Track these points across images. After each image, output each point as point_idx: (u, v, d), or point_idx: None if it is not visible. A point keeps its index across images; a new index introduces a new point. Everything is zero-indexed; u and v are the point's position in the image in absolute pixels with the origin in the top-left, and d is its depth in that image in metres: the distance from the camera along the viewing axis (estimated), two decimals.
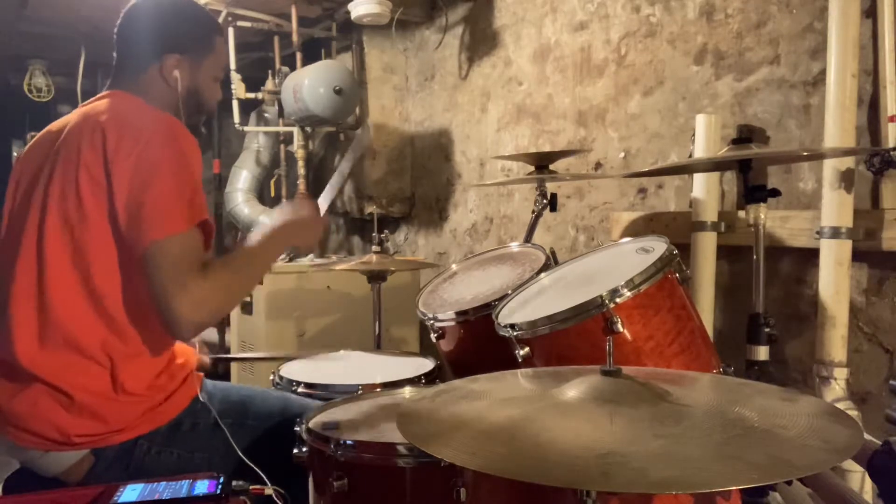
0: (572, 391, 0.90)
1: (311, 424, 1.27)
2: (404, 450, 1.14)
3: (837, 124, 1.57)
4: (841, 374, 1.58)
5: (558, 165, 2.06)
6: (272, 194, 3.86)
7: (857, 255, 1.61)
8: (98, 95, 1.37)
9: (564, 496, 0.86)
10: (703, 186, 1.89)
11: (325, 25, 3.43)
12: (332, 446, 1.18)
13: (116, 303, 1.24)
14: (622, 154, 2.30)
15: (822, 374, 1.60)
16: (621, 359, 1.09)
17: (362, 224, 3.70)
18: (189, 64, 1.40)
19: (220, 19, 3.13)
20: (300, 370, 1.74)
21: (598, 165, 2.40)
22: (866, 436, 0.87)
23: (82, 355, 1.23)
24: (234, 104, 3.31)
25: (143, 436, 1.28)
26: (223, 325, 3.09)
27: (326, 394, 1.55)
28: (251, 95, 3.31)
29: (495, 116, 2.89)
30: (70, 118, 1.34)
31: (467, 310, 1.61)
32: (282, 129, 3.50)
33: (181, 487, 1.03)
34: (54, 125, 1.37)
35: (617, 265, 1.41)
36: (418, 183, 3.46)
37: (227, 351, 3.08)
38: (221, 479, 1.05)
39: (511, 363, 1.26)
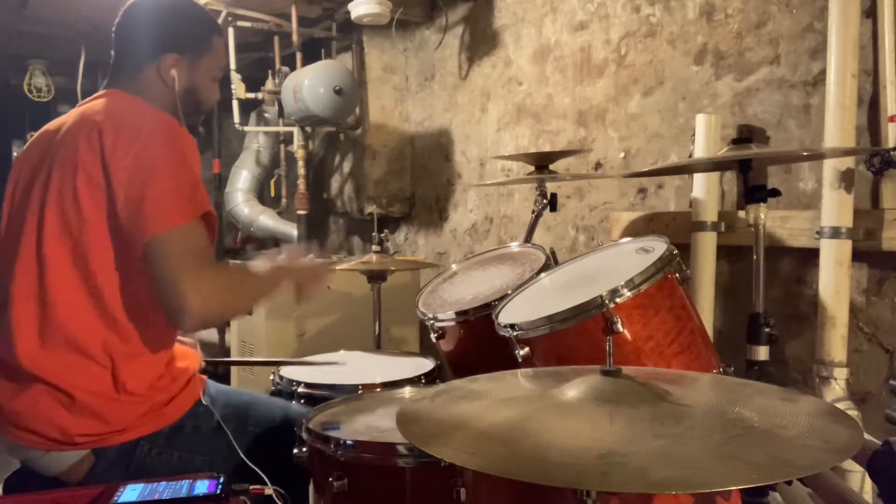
0: (572, 391, 0.90)
1: (311, 424, 1.27)
2: (404, 450, 1.14)
3: (837, 124, 1.57)
4: (841, 374, 1.58)
5: (558, 165, 2.06)
6: (272, 194, 3.87)
7: (857, 255, 1.61)
8: (95, 94, 1.36)
9: (564, 496, 0.86)
10: (703, 186, 1.89)
11: (325, 25, 3.43)
12: (332, 446, 1.18)
13: (117, 302, 1.24)
14: (622, 154, 2.30)
15: (822, 374, 1.60)
16: (621, 359, 1.08)
17: (362, 224, 3.69)
18: (187, 64, 1.39)
19: (220, 19, 3.13)
20: (300, 370, 1.74)
21: (598, 165, 2.40)
22: (866, 436, 0.87)
23: (83, 355, 1.23)
24: (234, 104, 3.32)
25: (144, 437, 1.28)
26: (223, 325, 3.09)
27: (326, 394, 1.55)
28: (251, 95, 3.31)
29: (495, 116, 2.89)
30: (67, 117, 1.33)
31: (467, 310, 1.61)
32: (282, 129, 3.50)
33: (181, 487, 1.03)
34: (52, 124, 1.37)
35: (617, 265, 1.41)
36: (418, 183, 3.46)
37: (227, 351, 3.09)
38: (221, 480, 1.05)
39: (511, 363, 1.26)
